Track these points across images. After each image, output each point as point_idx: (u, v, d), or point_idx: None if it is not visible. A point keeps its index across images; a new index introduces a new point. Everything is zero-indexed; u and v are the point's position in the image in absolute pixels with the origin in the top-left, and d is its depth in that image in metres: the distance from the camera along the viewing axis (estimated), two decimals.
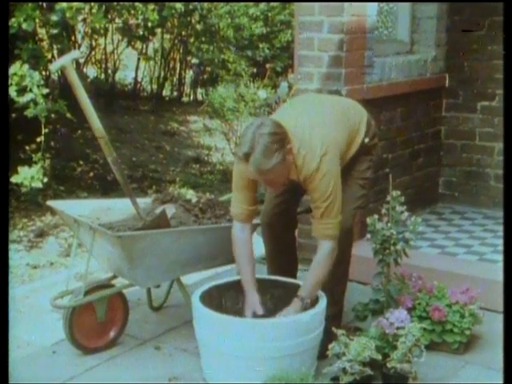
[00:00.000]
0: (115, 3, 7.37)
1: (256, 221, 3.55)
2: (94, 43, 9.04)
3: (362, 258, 4.16)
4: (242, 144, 3.02)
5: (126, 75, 10.62)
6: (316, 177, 3.14)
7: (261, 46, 10.07)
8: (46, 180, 5.36)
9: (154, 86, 10.23)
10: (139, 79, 10.10)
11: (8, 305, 2.75)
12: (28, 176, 5.20)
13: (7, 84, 4.81)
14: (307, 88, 4.38)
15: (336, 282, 3.47)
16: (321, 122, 3.28)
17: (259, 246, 4.66)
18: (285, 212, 3.63)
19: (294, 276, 3.72)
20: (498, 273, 3.67)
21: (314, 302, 3.19)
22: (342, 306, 3.58)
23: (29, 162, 5.37)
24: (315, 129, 3.21)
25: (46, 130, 5.54)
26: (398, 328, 3.14)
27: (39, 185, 5.26)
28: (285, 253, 3.74)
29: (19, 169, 5.22)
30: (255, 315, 3.21)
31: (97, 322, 3.49)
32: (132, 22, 8.42)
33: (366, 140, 3.52)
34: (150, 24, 7.81)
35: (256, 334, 3.02)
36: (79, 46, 8.68)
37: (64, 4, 5.22)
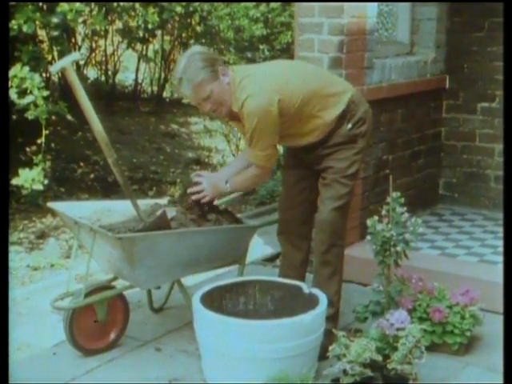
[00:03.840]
0: (115, 5, 7.37)
1: (257, 223, 3.55)
2: (94, 45, 9.03)
3: (362, 259, 4.17)
4: (176, 70, 3.27)
5: (126, 77, 10.61)
6: (246, 107, 3.24)
7: (261, 47, 10.04)
8: (46, 182, 5.35)
9: (155, 88, 10.22)
10: (139, 81, 10.09)
11: (8, 306, 2.76)
12: (28, 178, 5.19)
13: (7, 86, 4.81)
14: None
15: (326, 282, 3.48)
16: (279, 70, 3.45)
17: (258, 247, 4.68)
18: (302, 205, 3.66)
19: (303, 275, 3.73)
20: (498, 274, 3.67)
21: (315, 304, 3.20)
22: (338, 306, 3.56)
23: (29, 164, 5.36)
24: (266, 72, 3.38)
25: (47, 132, 5.54)
26: (398, 329, 3.13)
27: (40, 187, 5.24)
28: (298, 250, 3.73)
29: (20, 171, 5.21)
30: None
31: (97, 324, 3.49)
32: (132, 23, 8.42)
33: (349, 126, 3.42)
34: (150, 26, 7.80)
35: (256, 336, 3.02)
36: (79, 48, 8.68)
37: (65, 6, 5.22)
